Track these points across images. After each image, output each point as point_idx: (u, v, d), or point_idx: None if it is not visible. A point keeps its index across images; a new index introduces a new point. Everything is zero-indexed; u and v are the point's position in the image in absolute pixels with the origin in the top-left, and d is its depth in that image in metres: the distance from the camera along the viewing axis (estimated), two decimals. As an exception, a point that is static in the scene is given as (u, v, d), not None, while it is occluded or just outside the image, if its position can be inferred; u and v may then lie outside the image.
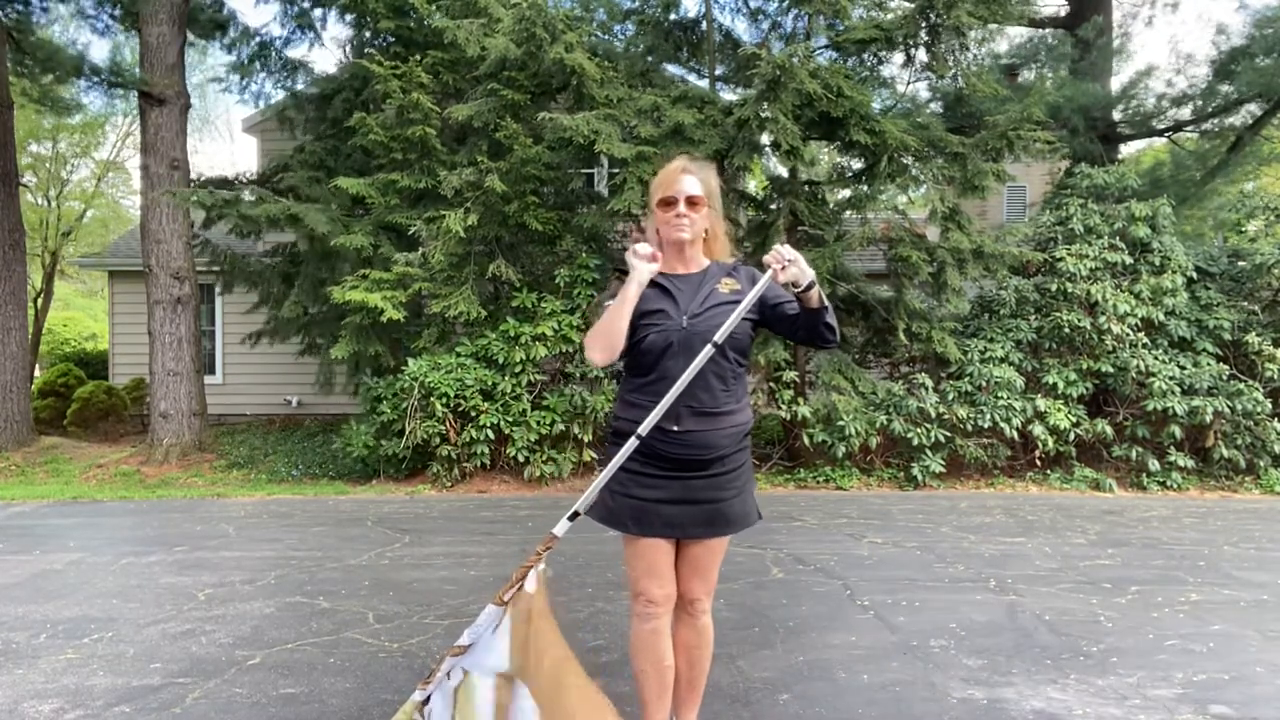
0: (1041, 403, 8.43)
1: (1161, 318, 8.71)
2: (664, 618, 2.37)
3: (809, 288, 2.22)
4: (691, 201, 2.36)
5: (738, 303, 2.30)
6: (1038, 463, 8.61)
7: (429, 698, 2.13)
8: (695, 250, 2.43)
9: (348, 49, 11.36)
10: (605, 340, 2.31)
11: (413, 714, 2.11)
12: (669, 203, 2.37)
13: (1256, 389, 8.31)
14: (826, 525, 6.40)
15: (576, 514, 2.24)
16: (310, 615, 4.12)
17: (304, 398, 12.47)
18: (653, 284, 2.38)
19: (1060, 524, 6.47)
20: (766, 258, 2.21)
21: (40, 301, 19.14)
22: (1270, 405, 8.32)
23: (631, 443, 2.23)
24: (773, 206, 9.29)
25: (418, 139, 8.63)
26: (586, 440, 8.42)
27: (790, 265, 2.18)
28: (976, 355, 8.72)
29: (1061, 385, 8.55)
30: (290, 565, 5.14)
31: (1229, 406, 8.25)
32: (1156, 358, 8.58)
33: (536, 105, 8.76)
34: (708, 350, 2.22)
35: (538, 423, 8.27)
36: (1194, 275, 9.09)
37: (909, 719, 2.91)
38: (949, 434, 8.36)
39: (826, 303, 2.29)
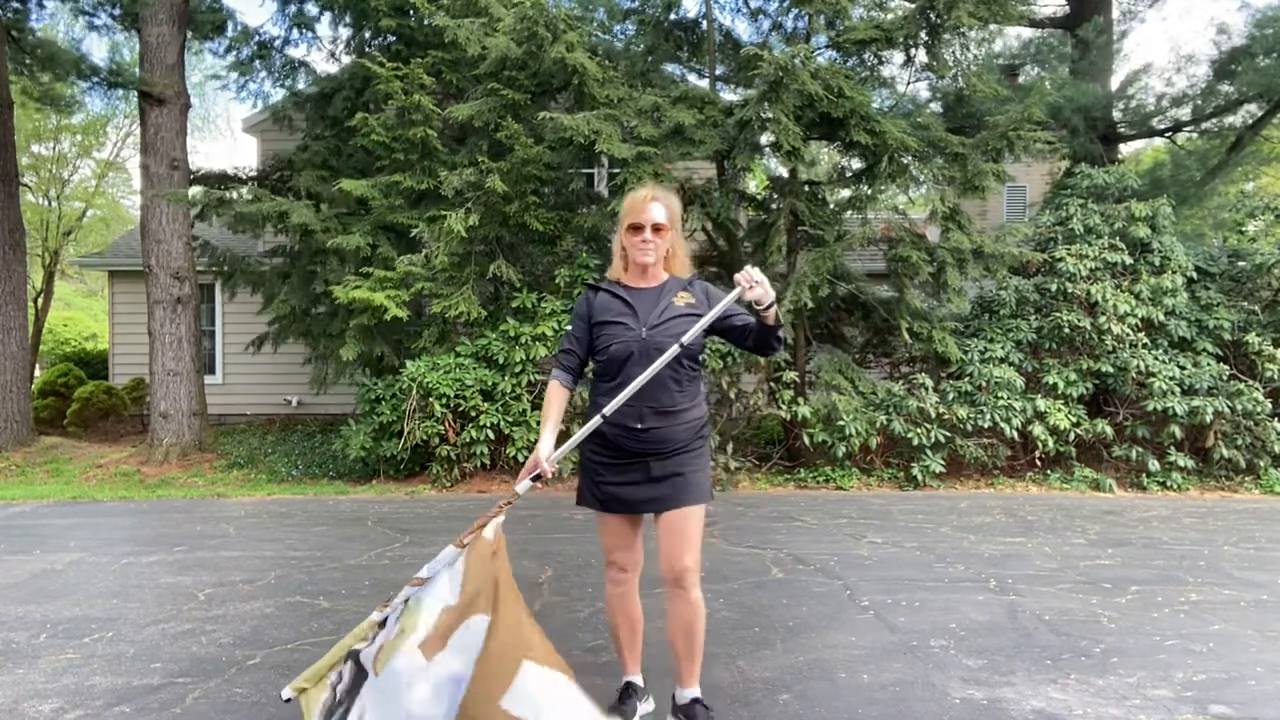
0: (1041, 403, 8.43)
1: (1161, 318, 8.71)
2: (631, 582, 2.81)
3: (768, 306, 2.53)
4: (657, 228, 2.70)
5: (693, 315, 2.64)
6: (1038, 463, 8.61)
7: (385, 619, 2.36)
8: (657, 268, 2.76)
9: (340, 49, 11.37)
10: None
11: (369, 630, 2.36)
12: (637, 228, 2.70)
13: (1256, 389, 8.30)
14: (826, 525, 6.39)
15: (540, 476, 2.56)
16: (310, 615, 4.12)
17: (304, 398, 12.48)
18: (615, 297, 2.73)
19: (1060, 524, 6.46)
20: (737, 276, 2.52)
21: (40, 301, 19.12)
22: (1270, 405, 8.32)
23: (597, 419, 2.58)
24: (773, 206, 9.29)
25: (419, 140, 8.62)
26: (586, 440, 8.41)
27: (757, 286, 2.48)
28: (976, 355, 8.72)
29: (1061, 385, 8.55)
30: (290, 565, 5.14)
31: (1229, 406, 8.25)
32: (1156, 358, 8.58)
33: (537, 105, 8.76)
34: (674, 349, 2.53)
35: (537, 423, 8.26)
36: (1194, 275, 9.09)
37: (909, 719, 2.91)
38: (949, 434, 8.36)
39: (781, 319, 2.64)
